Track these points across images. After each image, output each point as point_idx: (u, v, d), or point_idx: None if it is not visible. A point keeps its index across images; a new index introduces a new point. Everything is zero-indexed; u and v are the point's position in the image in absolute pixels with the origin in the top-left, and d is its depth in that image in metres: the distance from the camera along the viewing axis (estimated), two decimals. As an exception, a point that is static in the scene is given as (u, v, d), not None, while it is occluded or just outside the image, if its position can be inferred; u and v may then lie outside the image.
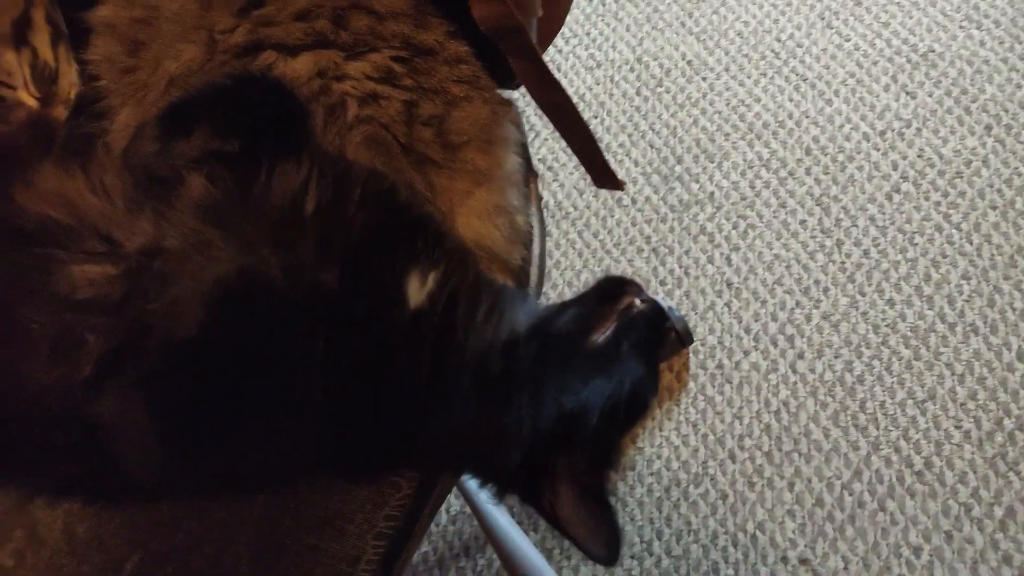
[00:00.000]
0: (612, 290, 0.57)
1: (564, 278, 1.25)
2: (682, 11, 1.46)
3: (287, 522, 0.56)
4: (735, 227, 1.24)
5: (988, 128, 1.23)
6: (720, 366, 1.14)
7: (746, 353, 1.14)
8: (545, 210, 1.20)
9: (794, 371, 1.12)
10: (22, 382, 0.47)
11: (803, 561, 1.01)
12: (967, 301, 1.12)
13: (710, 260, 1.22)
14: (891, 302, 1.14)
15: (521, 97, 0.67)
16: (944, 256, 1.15)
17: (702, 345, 1.16)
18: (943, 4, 1.36)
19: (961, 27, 1.33)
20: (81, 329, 0.46)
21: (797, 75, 1.34)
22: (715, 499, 1.06)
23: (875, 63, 1.32)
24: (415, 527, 0.56)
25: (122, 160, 0.52)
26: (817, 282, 1.17)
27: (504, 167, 0.60)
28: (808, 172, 1.26)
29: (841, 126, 1.28)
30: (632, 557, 1.05)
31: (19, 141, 0.60)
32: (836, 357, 1.12)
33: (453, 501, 1.12)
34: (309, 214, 0.49)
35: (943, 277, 1.14)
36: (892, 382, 1.08)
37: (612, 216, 1.29)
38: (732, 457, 1.08)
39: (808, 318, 1.15)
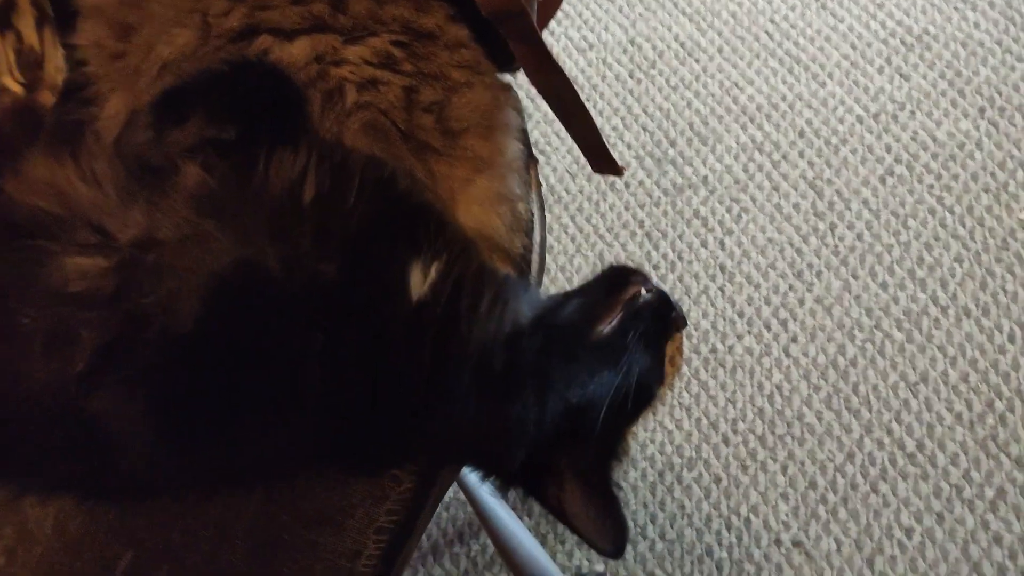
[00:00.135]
0: (617, 279, 0.57)
1: (557, 263, 1.25)
2: (674, -9, 1.45)
3: (284, 517, 0.55)
4: (728, 210, 1.23)
5: (982, 111, 1.23)
6: (713, 350, 1.14)
7: (739, 337, 1.14)
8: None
9: (787, 355, 1.12)
10: (15, 378, 0.46)
11: (796, 543, 1.02)
12: (960, 284, 1.12)
13: (703, 244, 1.21)
14: (884, 285, 1.14)
15: (513, 79, 0.66)
16: (937, 239, 1.16)
17: (695, 329, 1.16)
18: (937, -15, 1.35)
19: (956, 9, 1.32)
20: (74, 323, 0.45)
21: (791, 57, 1.34)
22: (709, 483, 1.06)
23: (869, 45, 1.32)
24: (417, 521, 0.56)
25: (114, 148, 0.51)
26: (810, 265, 1.17)
27: (505, 154, 0.60)
28: (801, 155, 1.25)
29: (835, 108, 1.28)
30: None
31: (4, 128, 0.58)
32: (829, 340, 1.12)
33: (447, 487, 1.12)
34: (307, 203, 0.48)
35: (936, 260, 1.14)
36: (885, 365, 1.09)
37: (605, 200, 1.28)
38: (726, 441, 1.08)
39: (801, 302, 1.15)
